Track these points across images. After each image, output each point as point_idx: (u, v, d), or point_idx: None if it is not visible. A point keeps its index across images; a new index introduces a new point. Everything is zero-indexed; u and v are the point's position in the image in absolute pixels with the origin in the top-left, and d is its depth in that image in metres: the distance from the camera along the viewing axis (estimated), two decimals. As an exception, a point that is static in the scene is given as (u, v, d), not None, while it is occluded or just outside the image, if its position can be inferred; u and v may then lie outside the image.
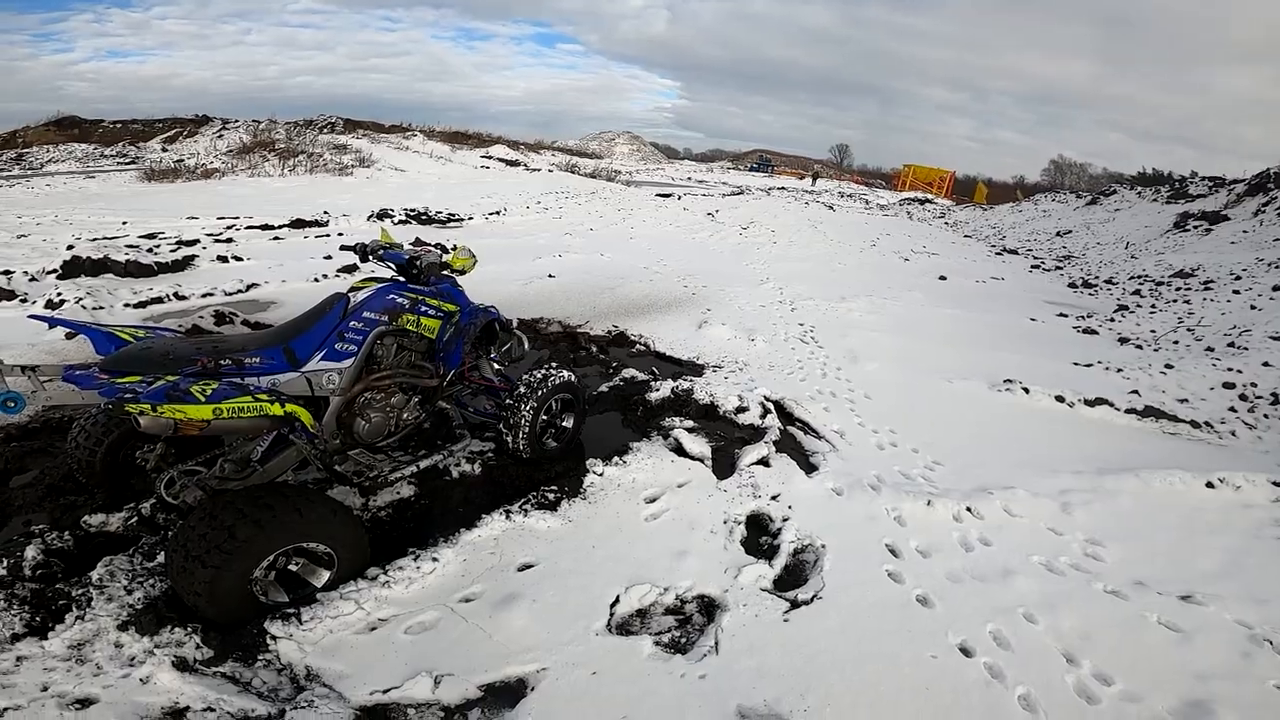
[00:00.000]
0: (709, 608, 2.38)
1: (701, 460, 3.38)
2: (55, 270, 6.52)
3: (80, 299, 5.49)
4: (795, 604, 2.40)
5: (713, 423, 3.88)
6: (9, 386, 1.74)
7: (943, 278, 9.98)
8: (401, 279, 2.87)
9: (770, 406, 4.14)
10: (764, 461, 3.41)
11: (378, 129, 31.11)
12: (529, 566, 2.51)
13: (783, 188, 33.77)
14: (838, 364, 5.31)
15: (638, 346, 5.50)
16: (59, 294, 5.56)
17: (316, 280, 6.72)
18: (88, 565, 2.36)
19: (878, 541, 2.84)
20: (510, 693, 1.98)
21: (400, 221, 11.52)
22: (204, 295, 6.00)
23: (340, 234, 10.08)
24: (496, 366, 3.40)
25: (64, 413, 3.58)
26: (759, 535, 2.88)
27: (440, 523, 2.76)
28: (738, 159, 67.78)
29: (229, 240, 9.05)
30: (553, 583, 2.41)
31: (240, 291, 6.17)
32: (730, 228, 13.80)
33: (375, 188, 18.35)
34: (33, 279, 6.32)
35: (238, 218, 11.04)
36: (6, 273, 6.43)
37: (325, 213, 11.79)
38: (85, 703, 1.84)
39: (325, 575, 2.25)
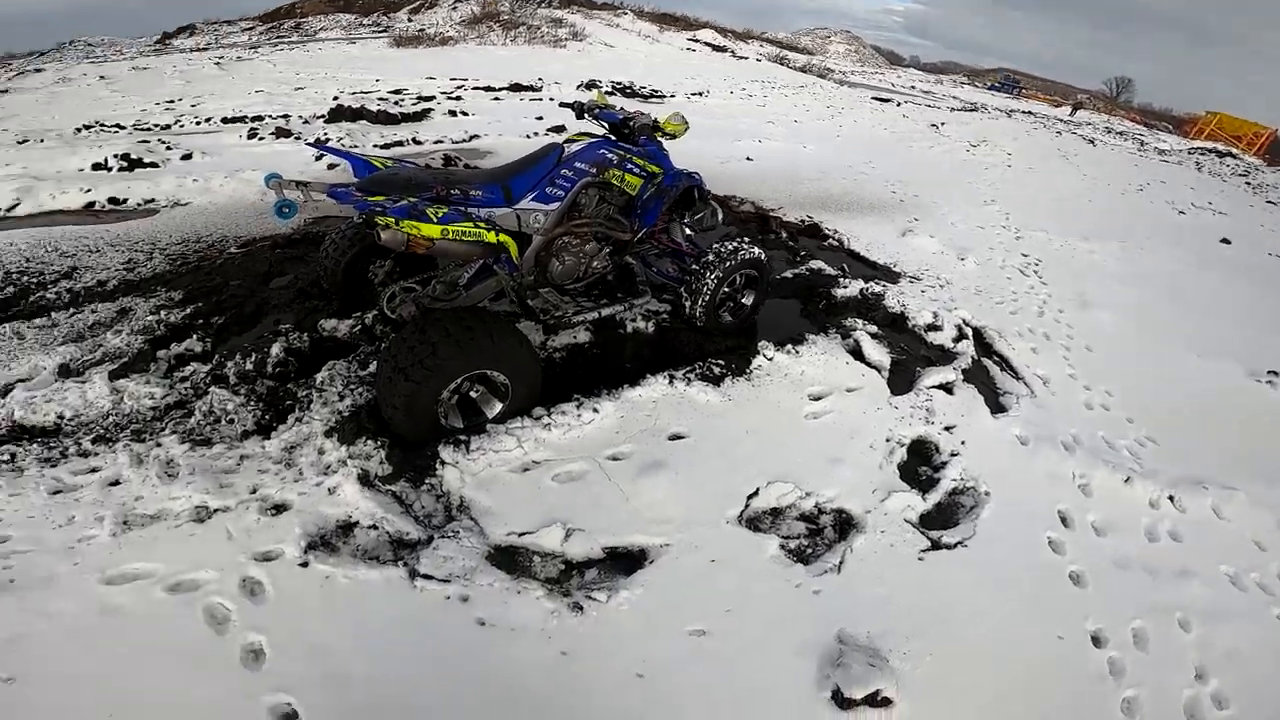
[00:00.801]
0: (845, 524, 2.28)
1: (878, 370, 3.16)
2: (323, 116, 7.78)
3: (341, 139, 6.49)
4: (936, 545, 2.25)
5: (898, 334, 3.60)
6: (286, 196, 2.01)
7: (1225, 240, 7.98)
8: (612, 137, 2.96)
9: (968, 331, 3.74)
10: (947, 388, 3.12)
11: (590, 5, 31.32)
12: (680, 437, 2.48)
13: (1029, 112, 28.40)
14: (1060, 305, 4.58)
15: (830, 241, 5.16)
16: (325, 135, 6.59)
17: (528, 136, 7.17)
18: (316, 368, 2.70)
19: (1050, 505, 2.56)
20: (630, 561, 2.02)
21: (606, 92, 11.63)
22: (435, 142, 6.72)
23: (551, 99, 10.46)
24: (688, 233, 3.40)
25: (320, 228, 4.24)
26: (919, 463, 2.68)
27: (606, 375, 2.84)
28: (976, 75, 57.91)
29: (458, 98, 9.86)
30: (699, 459, 2.38)
31: (464, 140, 6.86)
32: (957, 142, 12.05)
33: (586, 60, 18.67)
34: (306, 123, 7.53)
35: (466, 79, 11.94)
36: (286, 117, 7.77)
37: (539, 79, 12.33)
38: (280, 509, 2.06)
39: (498, 407, 2.40)
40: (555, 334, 3.09)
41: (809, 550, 2.16)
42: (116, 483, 2.20)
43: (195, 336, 2.89)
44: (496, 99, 10.23)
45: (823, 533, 2.24)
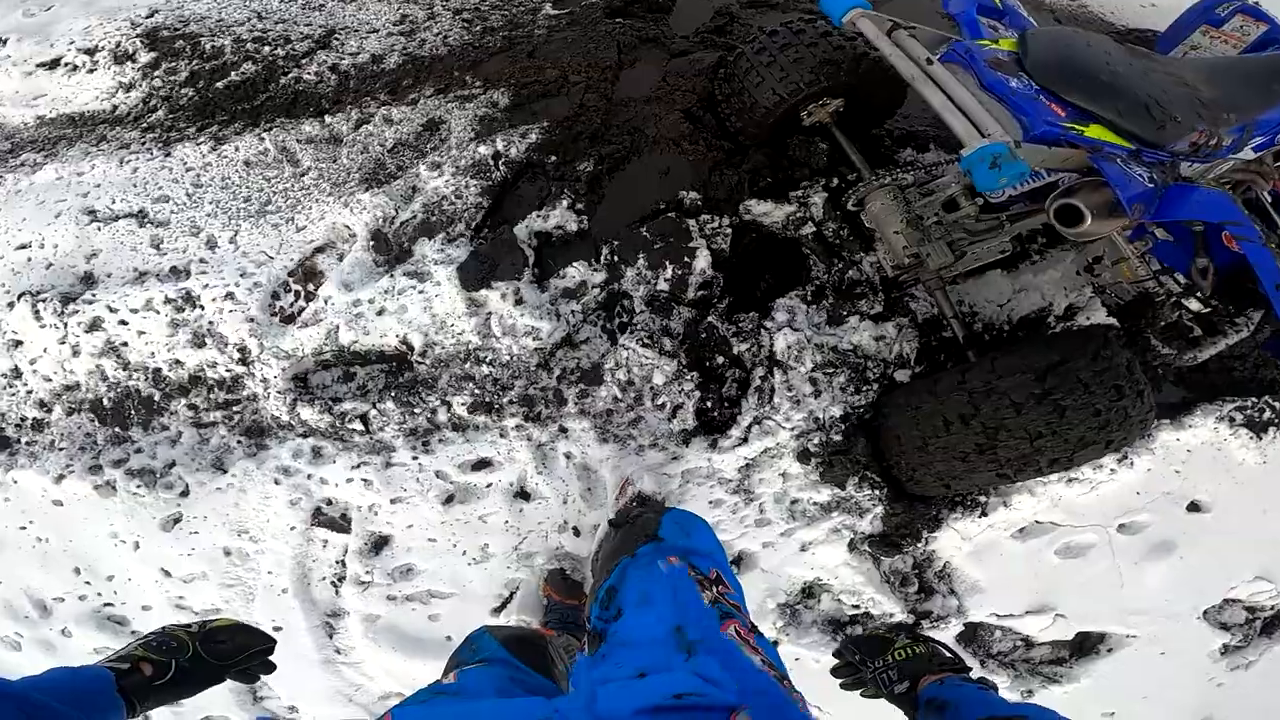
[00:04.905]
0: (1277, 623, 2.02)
1: None
2: None
3: None
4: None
5: None
6: (1013, 151, 1.04)
7: None
8: None
9: None
10: None
11: None
12: (1198, 509, 1.98)
13: None
14: None
15: None
16: None
17: None
18: (748, 287, 1.88)
19: None
20: (1091, 649, 1.93)
21: None
22: None
23: None
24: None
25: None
26: None
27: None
28: None
29: None
30: (1207, 542, 1.95)
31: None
32: None
33: None
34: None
35: None
36: None
37: None
38: (739, 564, 1.77)
39: None
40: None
41: (1234, 644, 2.01)
42: (524, 494, 1.78)
43: (566, 203, 1.90)
44: None
45: (1252, 625, 2.03)
